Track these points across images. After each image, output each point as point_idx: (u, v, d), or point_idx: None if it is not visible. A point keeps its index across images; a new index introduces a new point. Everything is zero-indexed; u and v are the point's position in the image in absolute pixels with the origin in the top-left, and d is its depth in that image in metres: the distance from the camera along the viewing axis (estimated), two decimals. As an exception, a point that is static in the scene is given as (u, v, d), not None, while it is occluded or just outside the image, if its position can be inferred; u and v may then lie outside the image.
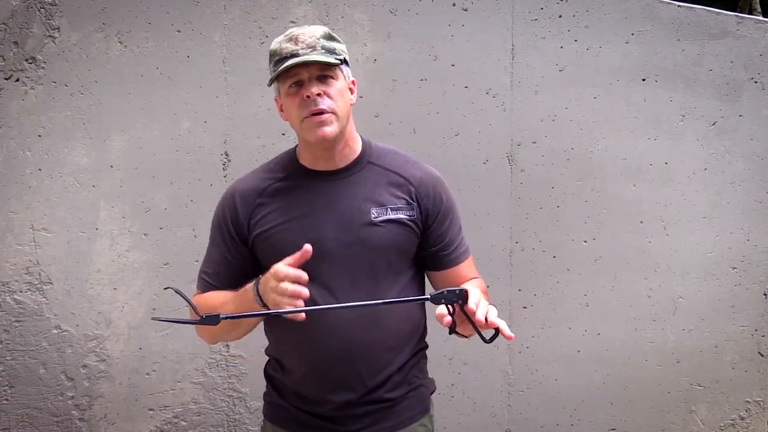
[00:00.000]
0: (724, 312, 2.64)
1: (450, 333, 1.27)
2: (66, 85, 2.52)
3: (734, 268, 2.63)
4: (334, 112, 1.37)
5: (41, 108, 2.51)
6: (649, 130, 2.59)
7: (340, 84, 1.39)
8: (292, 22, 2.54)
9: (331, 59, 1.36)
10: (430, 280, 1.55)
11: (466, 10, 2.56)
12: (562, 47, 2.57)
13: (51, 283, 2.56)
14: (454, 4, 2.55)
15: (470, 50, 2.56)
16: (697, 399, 2.68)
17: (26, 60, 2.50)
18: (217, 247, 1.50)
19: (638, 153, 2.59)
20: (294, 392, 1.47)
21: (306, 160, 1.46)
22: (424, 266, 1.52)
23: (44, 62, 2.50)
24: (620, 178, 2.60)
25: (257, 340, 2.59)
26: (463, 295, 1.23)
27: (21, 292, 2.55)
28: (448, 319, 1.22)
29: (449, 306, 1.23)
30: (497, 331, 1.24)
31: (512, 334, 1.22)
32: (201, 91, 2.54)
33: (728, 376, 2.67)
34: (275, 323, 1.48)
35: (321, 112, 1.36)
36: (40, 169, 2.53)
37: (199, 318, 1.21)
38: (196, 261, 2.56)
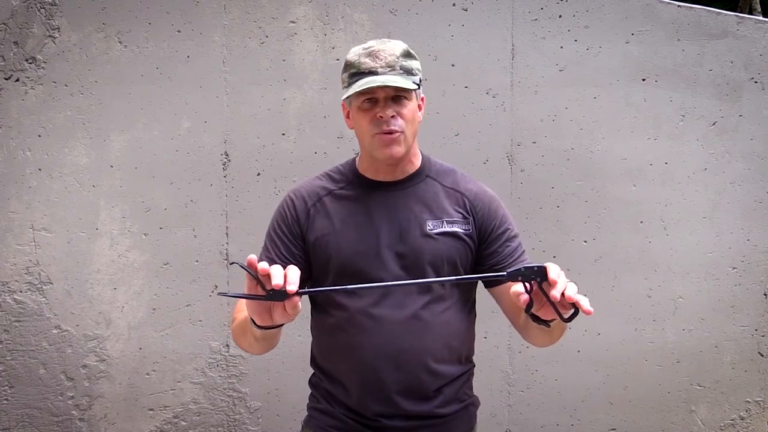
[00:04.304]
0: (724, 312, 2.64)
1: (526, 312, 1.22)
2: (66, 85, 2.52)
3: (734, 268, 2.63)
4: (403, 132, 1.39)
5: (41, 108, 2.51)
6: (649, 130, 2.59)
7: (412, 105, 1.41)
8: (292, 22, 2.54)
9: (409, 83, 1.36)
10: (495, 298, 1.52)
11: (466, 10, 2.56)
12: (562, 47, 2.57)
13: (51, 283, 2.56)
14: (454, 4, 2.55)
15: (470, 50, 2.56)
16: (697, 399, 2.68)
17: (26, 60, 2.50)
18: (267, 251, 1.48)
19: (638, 153, 2.59)
20: (343, 403, 1.46)
21: (367, 171, 1.48)
22: (486, 283, 1.51)
23: (44, 62, 2.50)
24: (620, 178, 2.60)
25: (257, 340, 2.60)
26: (542, 272, 1.17)
27: (21, 292, 2.55)
28: (525, 297, 1.18)
29: (527, 283, 1.18)
30: (576, 309, 1.17)
31: (591, 309, 1.14)
32: (201, 91, 2.54)
33: (728, 376, 2.67)
34: (327, 331, 1.47)
35: (392, 132, 1.38)
36: (40, 169, 2.53)
37: (266, 293, 1.15)
38: (196, 261, 2.57)
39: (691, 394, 2.67)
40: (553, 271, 1.15)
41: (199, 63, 2.53)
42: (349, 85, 1.39)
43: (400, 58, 1.38)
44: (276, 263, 1.43)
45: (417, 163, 1.49)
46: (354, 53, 1.41)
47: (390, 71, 1.36)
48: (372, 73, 1.36)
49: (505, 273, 1.19)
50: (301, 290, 1.15)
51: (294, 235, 1.46)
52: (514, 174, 2.60)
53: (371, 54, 1.38)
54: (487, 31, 2.56)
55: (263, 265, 1.12)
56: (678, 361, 2.66)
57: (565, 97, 2.58)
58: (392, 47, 1.39)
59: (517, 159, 2.60)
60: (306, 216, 1.46)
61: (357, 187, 1.47)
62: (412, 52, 1.43)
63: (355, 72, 1.38)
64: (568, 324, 1.25)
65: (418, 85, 1.39)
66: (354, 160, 1.52)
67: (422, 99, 1.47)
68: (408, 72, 1.38)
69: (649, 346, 2.65)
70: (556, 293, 1.13)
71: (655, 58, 2.56)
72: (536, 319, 1.25)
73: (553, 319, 1.24)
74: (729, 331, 2.65)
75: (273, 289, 1.13)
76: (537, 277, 1.17)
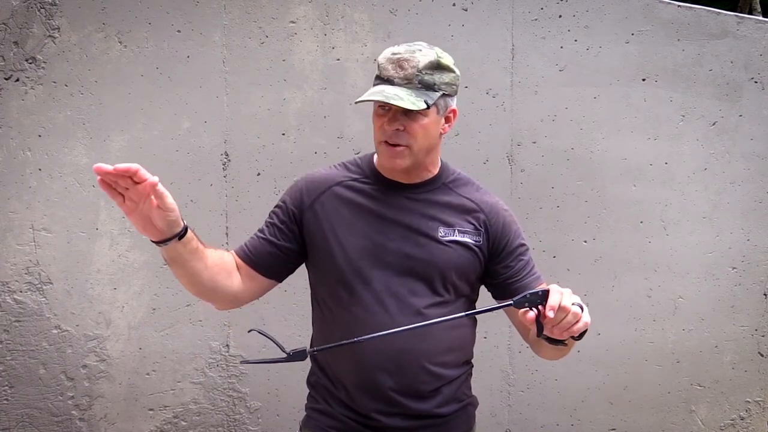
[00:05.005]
0: (724, 312, 2.64)
1: (538, 336, 1.25)
2: (66, 85, 2.52)
3: (734, 268, 2.63)
4: (408, 147, 1.37)
5: (41, 108, 2.51)
6: (649, 130, 2.59)
7: (426, 121, 1.37)
8: (292, 22, 2.54)
9: (419, 102, 1.32)
10: (506, 314, 1.53)
11: (466, 10, 2.56)
12: (562, 47, 2.57)
13: (51, 283, 2.56)
14: (454, 4, 2.55)
15: (470, 50, 2.55)
16: (697, 399, 2.68)
17: (26, 60, 2.50)
18: (266, 221, 1.50)
19: (638, 153, 2.59)
20: (342, 403, 1.46)
21: (383, 168, 1.47)
22: (495, 296, 1.51)
23: (44, 62, 2.50)
24: (620, 178, 2.60)
25: (258, 340, 2.60)
26: (546, 296, 1.20)
27: (21, 292, 2.55)
28: (531, 315, 1.21)
29: (534, 309, 1.20)
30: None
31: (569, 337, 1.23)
32: (201, 91, 2.54)
33: (728, 376, 2.67)
34: (328, 331, 1.47)
35: (395, 145, 1.37)
36: (40, 169, 2.53)
37: (286, 355, 1.22)
38: (196, 261, 2.57)
39: (691, 394, 2.67)
40: (550, 301, 1.20)
41: (199, 63, 2.53)
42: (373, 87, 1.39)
43: (423, 72, 1.34)
44: (266, 237, 1.47)
45: (434, 170, 1.48)
46: (383, 56, 1.38)
47: (406, 84, 1.33)
48: (389, 81, 1.34)
49: (511, 301, 1.23)
50: (317, 348, 1.31)
51: (292, 217, 1.47)
52: (514, 174, 2.60)
53: (396, 62, 1.35)
54: (487, 31, 2.56)
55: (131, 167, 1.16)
56: (678, 361, 2.66)
57: (565, 97, 2.58)
58: (418, 58, 1.34)
59: (517, 159, 2.60)
60: (314, 199, 1.46)
61: (372, 182, 1.47)
62: (446, 63, 1.37)
63: (378, 75, 1.38)
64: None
65: (428, 105, 1.33)
66: (372, 155, 1.51)
67: (453, 111, 1.43)
68: (428, 87, 1.34)
69: (649, 346, 2.65)
70: (546, 332, 1.23)
71: (655, 58, 2.56)
72: (551, 339, 1.27)
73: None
74: (729, 331, 2.65)
75: (293, 351, 1.23)
76: (542, 301, 1.20)
